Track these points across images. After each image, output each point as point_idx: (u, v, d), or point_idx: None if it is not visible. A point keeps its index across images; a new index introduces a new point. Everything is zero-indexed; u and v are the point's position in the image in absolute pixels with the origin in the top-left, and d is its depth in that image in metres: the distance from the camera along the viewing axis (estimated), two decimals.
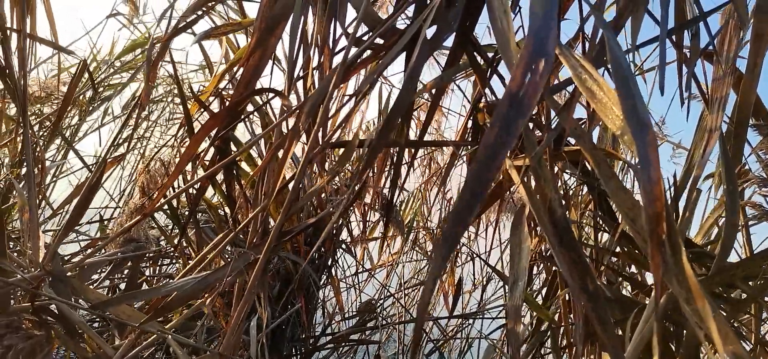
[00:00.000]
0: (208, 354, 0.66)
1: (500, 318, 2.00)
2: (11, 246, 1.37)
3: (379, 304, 1.82)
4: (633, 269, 1.21)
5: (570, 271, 0.61)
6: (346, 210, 1.23)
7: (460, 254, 2.24)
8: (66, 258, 1.16)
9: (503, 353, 1.66)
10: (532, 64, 0.44)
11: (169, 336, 0.63)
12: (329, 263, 1.56)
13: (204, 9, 1.05)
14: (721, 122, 0.90)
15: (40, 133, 1.47)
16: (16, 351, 0.67)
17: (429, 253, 2.36)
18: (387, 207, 1.30)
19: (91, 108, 1.63)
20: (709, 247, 1.19)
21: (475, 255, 2.14)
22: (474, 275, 2.29)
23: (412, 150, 1.40)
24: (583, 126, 1.02)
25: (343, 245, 1.69)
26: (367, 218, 2.11)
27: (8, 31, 0.99)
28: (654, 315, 0.52)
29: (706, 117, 0.92)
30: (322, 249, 1.45)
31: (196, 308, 0.72)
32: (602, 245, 1.09)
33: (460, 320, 2.03)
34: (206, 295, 0.69)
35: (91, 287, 0.81)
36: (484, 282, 2.09)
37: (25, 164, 1.33)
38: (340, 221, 1.41)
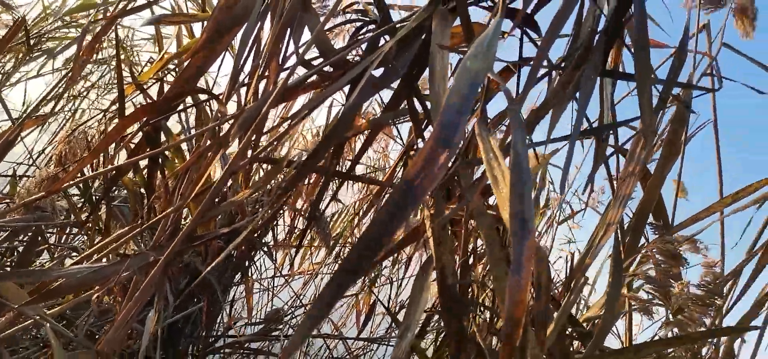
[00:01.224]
0: (85, 351, 0.65)
1: None
2: None
3: (289, 313, 1.82)
4: None
5: (451, 339, 0.65)
6: (264, 226, 1.24)
7: (379, 277, 2.27)
8: None
9: None
10: (433, 154, 0.47)
11: (48, 325, 0.62)
12: (246, 263, 1.56)
13: None
14: (620, 216, 0.97)
15: None
16: None
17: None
18: (311, 215, 1.31)
19: (28, 58, 1.55)
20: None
21: (392, 281, 2.18)
22: (390, 298, 2.32)
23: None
24: None
25: (265, 248, 1.68)
26: (295, 224, 2.11)
27: None
28: None
29: (610, 210, 0.99)
30: (240, 249, 1.45)
31: (85, 297, 0.71)
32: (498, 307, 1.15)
33: (366, 342, 2.07)
34: (97, 287, 0.68)
35: None
36: (396, 309, 2.14)
37: None
38: (260, 231, 1.41)
